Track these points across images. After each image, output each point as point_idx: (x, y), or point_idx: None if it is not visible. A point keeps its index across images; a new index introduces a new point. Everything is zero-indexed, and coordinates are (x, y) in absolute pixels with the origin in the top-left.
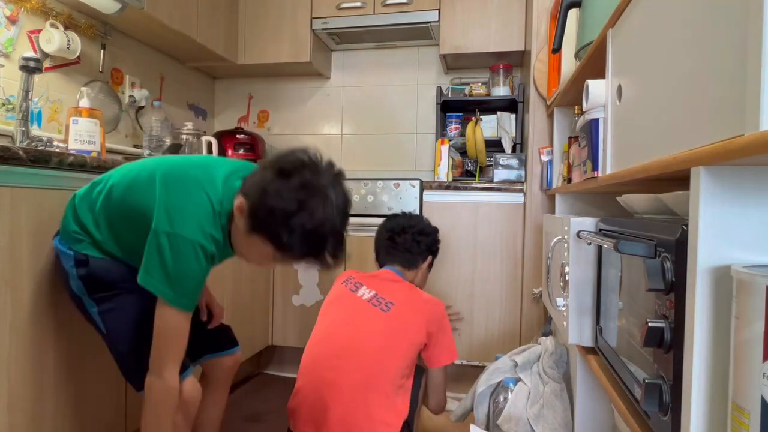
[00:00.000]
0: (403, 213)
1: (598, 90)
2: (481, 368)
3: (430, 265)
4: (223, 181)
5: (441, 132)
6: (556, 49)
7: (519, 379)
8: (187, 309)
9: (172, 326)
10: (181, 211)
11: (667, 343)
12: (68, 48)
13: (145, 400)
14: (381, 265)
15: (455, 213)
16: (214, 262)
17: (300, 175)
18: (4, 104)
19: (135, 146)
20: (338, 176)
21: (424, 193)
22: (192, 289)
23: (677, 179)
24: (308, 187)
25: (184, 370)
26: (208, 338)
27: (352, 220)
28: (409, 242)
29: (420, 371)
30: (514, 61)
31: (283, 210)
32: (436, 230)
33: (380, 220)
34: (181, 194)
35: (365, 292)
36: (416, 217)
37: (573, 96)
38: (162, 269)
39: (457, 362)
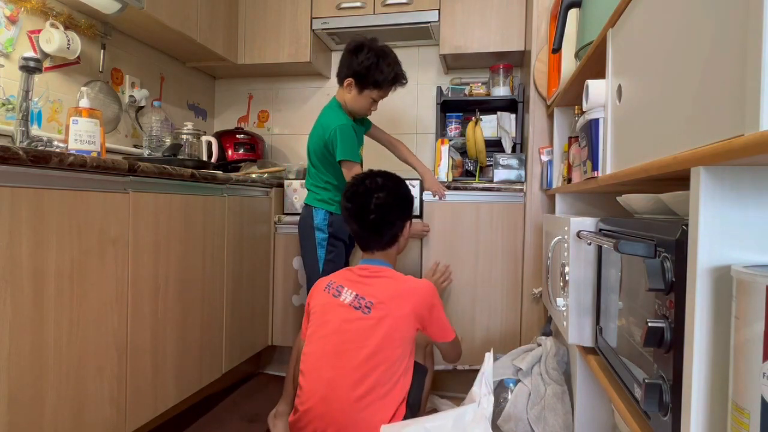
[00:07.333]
0: (359, 182)
1: (598, 90)
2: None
3: (410, 222)
4: (333, 104)
5: (441, 132)
6: (556, 49)
7: (519, 380)
8: (359, 159)
9: (357, 170)
10: (335, 119)
11: (667, 343)
12: (68, 48)
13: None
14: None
15: (455, 213)
16: (357, 134)
17: (363, 46)
18: (4, 104)
19: (135, 146)
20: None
21: (424, 193)
22: (356, 149)
23: (677, 179)
24: (372, 48)
25: None
26: None
27: None
28: (377, 223)
29: (422, 371)
30: (514, 61)
31: (369, 64)
32: (400, 190)
33: None
34: (334, 117)
35: (347, 296)
36: (373, 187)
37: (573, 96)
38: (345, 144)
39: (459, 367)
